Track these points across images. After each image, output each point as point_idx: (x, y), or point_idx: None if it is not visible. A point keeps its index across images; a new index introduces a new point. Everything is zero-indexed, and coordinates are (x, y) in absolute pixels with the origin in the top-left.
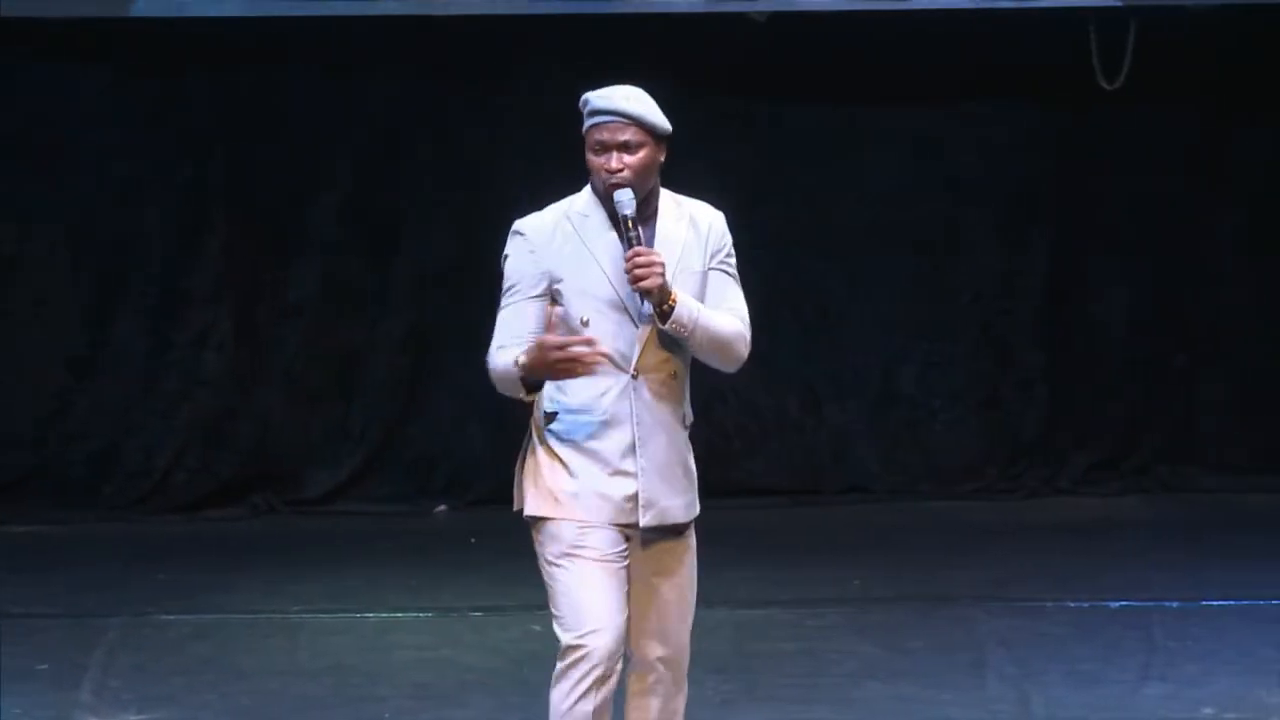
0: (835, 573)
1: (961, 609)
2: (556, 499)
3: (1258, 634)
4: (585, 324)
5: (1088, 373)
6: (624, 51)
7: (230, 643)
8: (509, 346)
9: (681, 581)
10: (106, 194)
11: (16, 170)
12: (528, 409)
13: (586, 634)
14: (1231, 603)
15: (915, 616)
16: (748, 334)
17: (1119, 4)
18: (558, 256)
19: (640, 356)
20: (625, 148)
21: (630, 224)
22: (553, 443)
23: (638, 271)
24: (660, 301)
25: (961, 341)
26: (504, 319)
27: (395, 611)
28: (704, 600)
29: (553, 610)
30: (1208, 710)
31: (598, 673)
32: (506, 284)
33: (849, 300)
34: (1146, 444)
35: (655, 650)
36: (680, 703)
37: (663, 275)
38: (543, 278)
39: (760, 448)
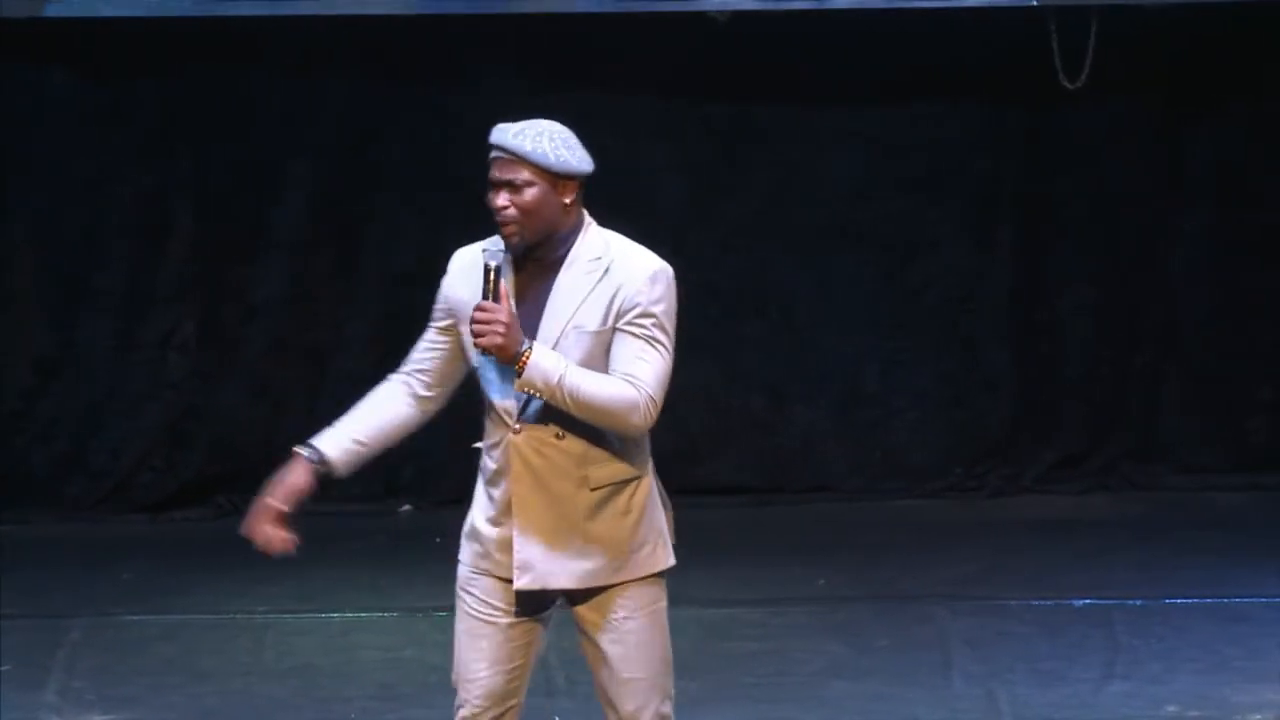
0: (801, 572)
1: (927, 607)
2: (462, 538)
3: (1221, 632)
4: (477, 369)
5: (1052, 371)
6: (587, 52)
7: (195, 643)
8: (395, 376)
9: (623, 641)
10: (69, 194)
11: None
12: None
13: (460, 680)
14: (1195, 601)
15: (881, 615)
16: (643, 401)
17: (1080, 3)
18: (460, 295)
19: (520, 412)
20: (510, 186)
21: (491, 275)
22: (478, 477)
23: (474, 328)
24: (510, 361)
25: (926, 340)
26: (422, 335)
27: (361, 612)
28: (671, 600)
29: None
30: (1171, 708)
31: (465, 715)
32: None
33: (814, 300)
34: (1111, 442)
35: (608, 712)
36: None
37: (502, 336)
38: (447, 309)
39: (725, 447)
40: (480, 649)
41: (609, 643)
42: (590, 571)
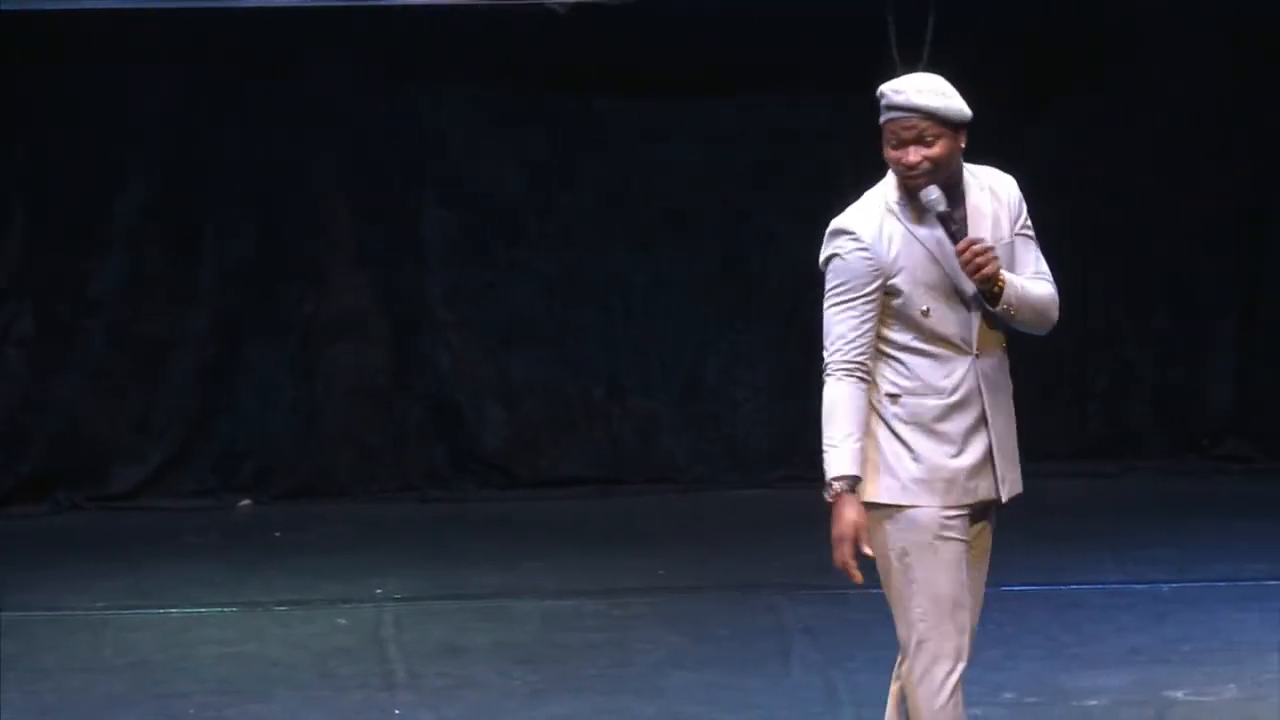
0: (640, 562)
1: (768, 597)
2: (911, 486)
3: (1058, 618)
4: (926, 314)
5: None
6: (424, 42)
7: (33, 640)
8: (843, 376)
9: (988, 561)
10: None
11: None
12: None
13: (949, 628)
14: (1033, 588)
15: (721, 605)
16: (1058, 294)
17: None
18: (889, 251)
19: (978, 337)
20: (921, 141)
21: (948, 218)
22: (896, 425)
23: (978, 260)
24: (992, 285)
25: (765, 332)
26: (838, 319)
27: (199, 607)
28: (511, 591)
29: (902, 602)
30: (1008, 694)
31: (961, 666)
32: (836, 283)
33: (650, 291)
34: None
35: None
36: None
37: (999, 260)
38: (876, 275)
39: (566, 438)
40: (963, 586)
41: (981, 565)
42: (1019, 478)
